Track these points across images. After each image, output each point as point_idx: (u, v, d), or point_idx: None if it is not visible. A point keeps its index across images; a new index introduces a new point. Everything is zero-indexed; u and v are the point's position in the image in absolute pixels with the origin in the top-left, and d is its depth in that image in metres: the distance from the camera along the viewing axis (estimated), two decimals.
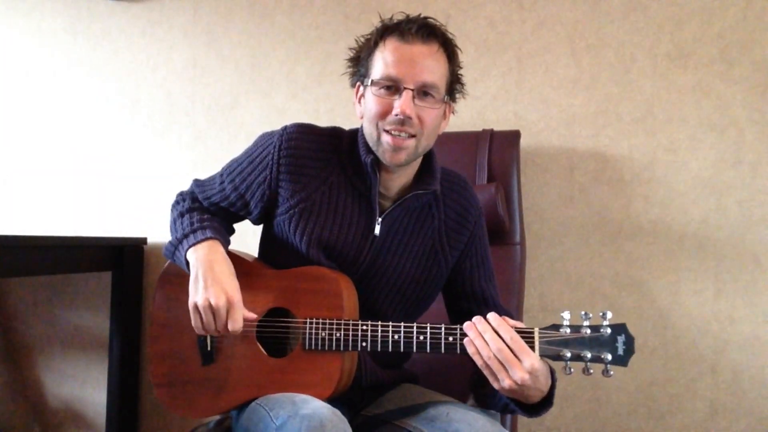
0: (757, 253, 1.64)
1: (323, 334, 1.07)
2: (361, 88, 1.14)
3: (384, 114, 1.06)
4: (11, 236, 1.66)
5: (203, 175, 1.30)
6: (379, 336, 1.06)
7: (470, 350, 0.99)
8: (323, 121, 1.94)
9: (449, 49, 1.10)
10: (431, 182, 1.16)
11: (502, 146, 1.66)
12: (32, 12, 2.23)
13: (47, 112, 2.20)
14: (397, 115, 1.05)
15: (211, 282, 1.06)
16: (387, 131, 1.07)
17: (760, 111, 1.65)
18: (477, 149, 1.65)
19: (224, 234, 1.18)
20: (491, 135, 1.67)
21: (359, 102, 1.15)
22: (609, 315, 0.99)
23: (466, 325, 1.01)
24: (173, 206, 1.24)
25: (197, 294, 1.07)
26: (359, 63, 1.14)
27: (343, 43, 1.17)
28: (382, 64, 1.07)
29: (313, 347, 1.08)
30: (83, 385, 2.14)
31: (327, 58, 1.95)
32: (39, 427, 2.18)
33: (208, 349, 1.13)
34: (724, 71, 1.67)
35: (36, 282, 2.18)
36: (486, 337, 0.98)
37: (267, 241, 1.23)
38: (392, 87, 1.06)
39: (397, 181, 1.16)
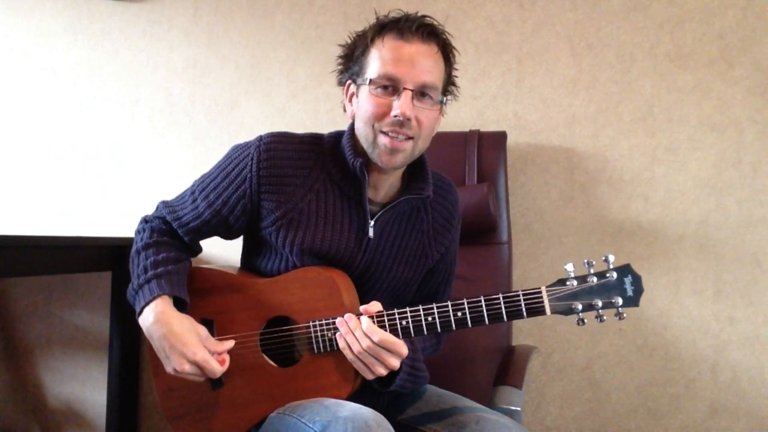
0: (757, 253, 1.64)
1: (329, 335, 1.05)
2: (353, 86, 1.10)
3: (381, 115, 1.02)
4: (11, 236, 1.65)
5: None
6: (387, 325, 1.03)
7: (340, 344, 1.02)
8: (323, 121, 1.96)
9: (447, 50, 1.08)
10: (425, 187, 1.14)
11: (489, 147, 1.67)
12: (32, 12, 2.23)
13: (47, 112, 2.20)
14: (396, 116, 1.01)
15: (169, 350, 1.03)
16: (384, 132, 1.03)
17: (760, 111, 1.65)
18: (466, 150, 1.66)
19: (177, 272, 1.11)
20: (479, 136, 1.68)
21: (350, 101, 1.11)
22: (612, 258, 0.98)
23: (338, 321, 1.03)
24: (135, 235, 1.19)
25: (165, 364, 1.05)
26: (351, 60, 1.09)
27: (343, 42, 1.16)
28: (379, 62, 1.03)
29: (321, 350, 1.06)
30: (83, 385, 2.14)
31: (327, 58, 1.95)
32: (39, 427, 2.18)
33: None
34: (724, 71, 1.67)
35: (36, 282, 2.18)
36: (356, 335, 1.00)
37: (253, 253, 1.19)
38: (390, 87, 1.02)
39: (387, 184, 1.13)
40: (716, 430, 1.65)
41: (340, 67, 1.13)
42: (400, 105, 1.01)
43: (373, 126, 1.04)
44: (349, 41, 1.12)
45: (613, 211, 1.73)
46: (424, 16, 1.06)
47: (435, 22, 1.07)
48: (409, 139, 1.04)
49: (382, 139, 1.04)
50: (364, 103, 1.05)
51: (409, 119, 1.02)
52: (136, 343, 2.00)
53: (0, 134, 2.25)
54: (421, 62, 1.02)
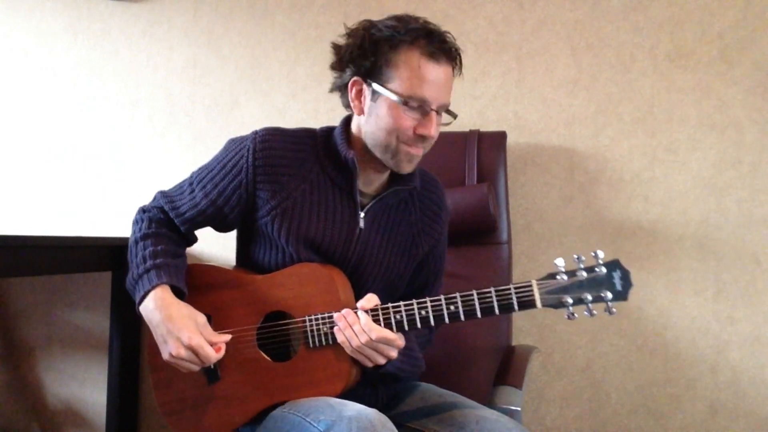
0: (757, 253, 1.64)
1: (325, 329, 1.07)
2: (364, 86, 1.10)
3: (406, 129, 1.06)
4: (11, 236, 1.65)
5: None
6: (381, 319, 1.05)
7: (339, 338, 1.05)
8: (323, 121, 1.94)
9: (460, 69, 1.13)
10: (411, 178, 1.17)
11: (489, 147, 1.68)
12: (32, 12, 2.23)
13: (47, 112, 2.20)
14: (423, 135, 1.06)
15: (166, 334, 1.05)
16: (405, 143, 1.08)
17: (760, 111, 1.65)
18: (466, 150, 1.67)
19: (176, 265, 1.13)
20: (479, 136, 1.68)
21: (357, 98, 1.12)
22: (601, 254, 1.01)
23: (336, 316, 1.05)
24: (133, 224, 1.20)
25: (163, 351, 1.07)
26: (365, 57, 1.08)
27: (350, 30, 1.16)
28: (411, 81, 1.04)
29: (317, 344, 1.07)
30: (83, 385, 2.14)
31: (327, 58, 1.93)
32: (39, 427, 2.18)
33: (211, 367, 1.12)
34: (724, 71, 1.67)
35: (36, 282, 2.18)
36: (355, 329, 1.03)
37: (248, 248, 1.20)
38: (418, 105, 1.06)
39: (378, 177, 1.17)
40: (716, 430, 1.65)
41: (345, 56, 1.13)
42: (432, 127, 1.07)
43: (397, 136, 1.08)
44: (362, 31, 1.10)
45: (613, 211, 1.73)
46: (447, 36, 1.08)
47: (455, 42, 1.09)
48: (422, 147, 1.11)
49: (406, 148, 1.08)
50: (387, 115, 1.07)
51: (433, 137, 1.08)
52: (136, 343, 2.00)
53: (0, 134, 2.25)
54: (446, 85, 1.08)
